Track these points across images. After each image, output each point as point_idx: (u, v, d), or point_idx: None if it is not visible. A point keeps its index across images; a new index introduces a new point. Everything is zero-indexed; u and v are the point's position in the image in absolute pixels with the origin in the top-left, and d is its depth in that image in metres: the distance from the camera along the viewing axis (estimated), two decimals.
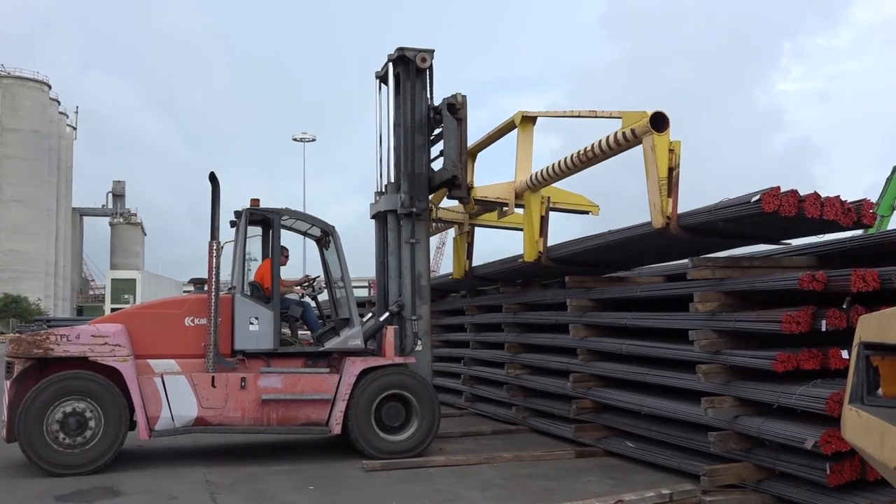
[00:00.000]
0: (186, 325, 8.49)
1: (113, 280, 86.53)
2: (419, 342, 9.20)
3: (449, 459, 8.52)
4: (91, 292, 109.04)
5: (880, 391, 3.54)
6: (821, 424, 5.78)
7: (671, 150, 7.40)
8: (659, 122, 7.40)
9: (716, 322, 6.89)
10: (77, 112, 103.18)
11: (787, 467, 6.21)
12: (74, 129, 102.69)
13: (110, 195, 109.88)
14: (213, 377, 8.34)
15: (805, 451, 5.87)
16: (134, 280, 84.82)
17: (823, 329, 6.02)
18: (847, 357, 5.87)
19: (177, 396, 8.26)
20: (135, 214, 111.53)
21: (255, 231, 9.51)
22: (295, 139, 51.65)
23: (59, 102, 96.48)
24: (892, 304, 3.97)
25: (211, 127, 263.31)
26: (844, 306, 6.05)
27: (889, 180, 27.37)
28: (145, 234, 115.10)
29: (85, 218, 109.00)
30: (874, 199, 24.89)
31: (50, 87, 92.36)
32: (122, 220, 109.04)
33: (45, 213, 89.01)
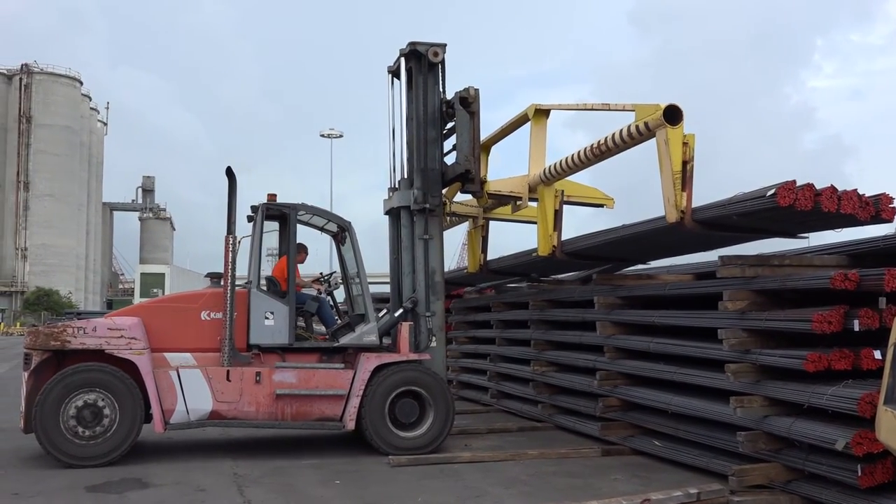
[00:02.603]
0: (202, 319, 8.44)
1: (142, 274, 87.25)
2: (433, 338, 9.08)
3: (475, 456, 8.46)
4: (121, 286, 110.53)
5: None
6: (852, 425, 5.66)
7: (685, 144, 7.22)
8: (672, 114, 7.21)
9: (745, 321, 6.74)
10: (108, 108, 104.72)
11: (817, 468, 6.08)
12: (105, 124, 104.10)
13: (140, 190, 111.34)
14: (228, 371, 8.28)
15: (836, 453, 5.75)
16: (163, 274, 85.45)
17: (856, 329, 5.87)
18: (880, 357, 5.76)
19: (192, 390, 8.22)
20: (164, 209, 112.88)
21: (273, 226, 9.42)
22: (322, 135, 51.70)
23: (90, 98, 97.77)
24: None
25: (240, 122, 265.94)
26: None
27: None
28: (174, 229, 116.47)
29: (115, 213, 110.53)
30: None
31: (81, 83, 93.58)
32: (151, 214, 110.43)
33: (76, 207, 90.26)
